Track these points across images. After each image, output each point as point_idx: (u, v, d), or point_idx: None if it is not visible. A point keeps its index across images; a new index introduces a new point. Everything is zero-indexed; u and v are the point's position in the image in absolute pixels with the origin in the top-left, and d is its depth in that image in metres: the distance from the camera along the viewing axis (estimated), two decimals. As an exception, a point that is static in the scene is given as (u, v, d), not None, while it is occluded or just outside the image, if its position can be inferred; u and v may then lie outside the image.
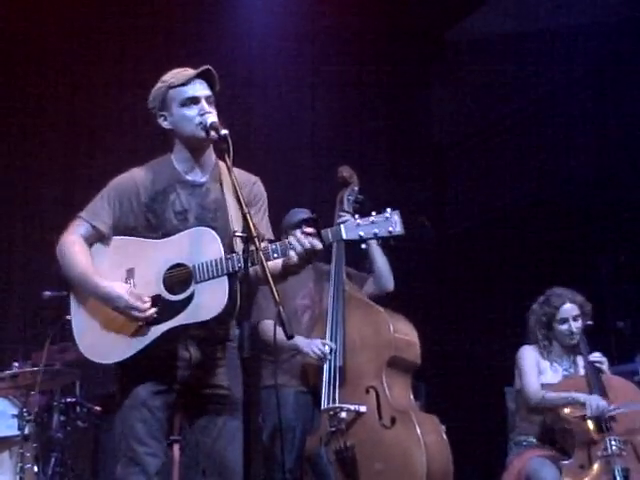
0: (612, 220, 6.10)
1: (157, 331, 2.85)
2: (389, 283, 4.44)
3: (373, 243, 4.36)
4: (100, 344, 2.92)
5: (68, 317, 3.01)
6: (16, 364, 4.68)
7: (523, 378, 4.28)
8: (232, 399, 2.96)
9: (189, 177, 3.03)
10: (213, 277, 2.80)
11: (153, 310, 2.84)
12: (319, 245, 2.72)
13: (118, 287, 2.88)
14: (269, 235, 3.06)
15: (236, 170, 2.90)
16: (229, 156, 2.80)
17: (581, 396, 4.06)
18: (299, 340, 4.17)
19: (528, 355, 4.35)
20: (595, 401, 4.01)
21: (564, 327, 4.31)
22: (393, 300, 4.51)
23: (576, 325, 4.30)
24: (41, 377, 4.41)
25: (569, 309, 4.32)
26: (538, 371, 4.30)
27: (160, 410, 2.91)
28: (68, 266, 2.96)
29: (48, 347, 4.61)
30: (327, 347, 4.16)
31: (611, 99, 6.36)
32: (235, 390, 2.97)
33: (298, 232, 2.76)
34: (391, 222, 2.67)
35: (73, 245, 2.97)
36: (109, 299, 2.87)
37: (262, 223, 3.02)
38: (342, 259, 4.32)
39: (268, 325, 4.25)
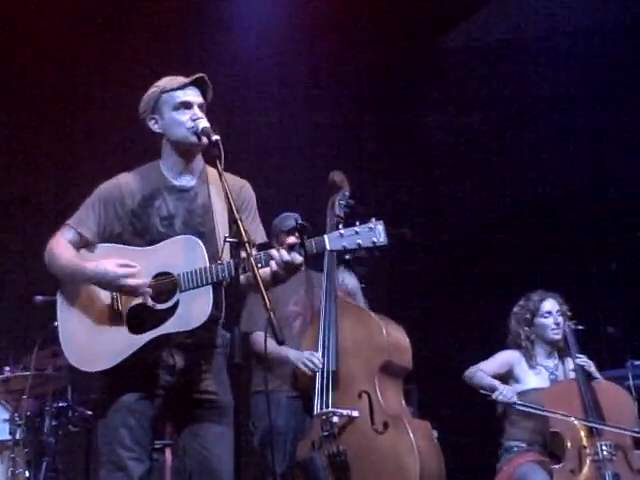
0: (604, 226, 6.12)
1: (143, 339, 2.84)
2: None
3: None
4: (86, 352, 2.90)
5: (56, 323, 3.01)
6: (7, 368, 4.67)
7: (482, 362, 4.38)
8: (219, 404, 2.97)
9: (176, 182, 3.03)
10: (197, 286, 2.79)
11: (146, 281, 2.83)
12: (298, 259, 2.72)
13: (103, 262, 2.87)
14: (262, 238, 3.06)
15: (224, 174, 2.90)
16: (220, 162, 2.81)
17: (496, 383, 4.23)
18: (290, 352, 4.20)
19: (503, 353, 4.46)
20: (507, 390, 4.19)
21: (549, 320, 4.38)
22: (387, 304, 4.53)
23: (560, 319, 4.35)
24: (31, 382, 4.40)
25: (551, 303, 4.43)
26: (505, 372, 4.38)
27: (144, 416, 2.90)
28: (55, 260, 2.95)
29: (39, 352, 4.62)
30: (316, 357, 4.16)
31: (605, 106, 6.38)
32: (223, 395, 2.98)
33: (280, 248, 2.76)
34: (375, 232, 2.67)
35: (60, 246, 2.98)
36: (99, 277, 2.85)
37: (253, 227, 3.01)
38: (334, 265, 4.33)
39: (260, 336, 4.26)
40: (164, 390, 2.93)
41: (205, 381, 2.97)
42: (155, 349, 2.87)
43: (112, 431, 2.88)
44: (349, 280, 4.61)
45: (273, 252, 2.74)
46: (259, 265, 2.72)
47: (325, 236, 2.72)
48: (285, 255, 2.72)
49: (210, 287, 2.80)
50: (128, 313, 2.89)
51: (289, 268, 2.74)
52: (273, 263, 2.73)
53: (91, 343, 2.89)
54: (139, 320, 2.86)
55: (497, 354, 4.46)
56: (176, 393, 2.94)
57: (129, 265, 2.85)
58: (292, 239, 4.16)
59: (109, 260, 2.88)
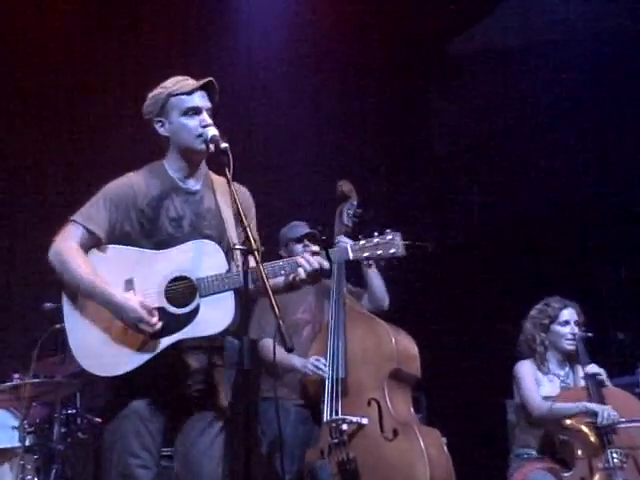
0: (613, 232, 6.11)
1: (162, 344, 2.82)
2: (384, 302, 4.48)
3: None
4: (100, 355, 2.86)
5: (57, 326, 2.95)
6: (16, 375, 4.67)
7: (524, 392, 4.27)
8: (220, 406, 2.97)
9: (183, 184, 3.01)
10: (219, 291, 2.80)
11: (160, 324, 2.80)
12: (327, 265, 2.79)
13: (132, 299, 2.81)
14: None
15: (223, 180, 2.91)
16: (229, 169, 2.80)
17: (593, 405, 4.05)
18: (295, 360, 4.20)
19: (526, 369, 4.35)
20: (607, 411, 4.00)
21: (566, 329, 4.34)
22: (393, 311, 4.52)
23: (576, 329, 4.32)
24: (40, 389, 4.41)
25: (571, 312, 4.38)
26: (536, 384, 4.30)
27: (153, 421, 2.88)
28: (71, 274, 2.85)
29: (48, 358, 4.63)
30: (321, 362, 4.16)
31: (611, 112, 6.37)
32: (221, 397, 2.98)
33: (307, 254, 2.81)
34: (393, 244, 2.78)
35: (74, 253, 2.88)
36: (122, 310, 2.80)
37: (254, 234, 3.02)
38: (342, 273, 4.33)
39: (269, 343, 4.26)
40: (176, 394, 2.91)
41: (215, 385, 2.96)
42: (173, 353, 2.85)
43: (121, 438, 2.86)
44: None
45: (300, 260, 2.77)
46: (282, 272, 2.78)
47: (348, 246, 2.81)
48: (314, 263, 2.76)
49: (232, 293, 2.81)
50: None
51: (316, 276, 2.78)
52: (301, 271, 2.76)
53: (105, 346, 2.85)
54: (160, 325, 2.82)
55: (523, 374, 4.32)
56: (186, 397, 2.92)
57: (151, 312, 2.79)
58: (315, 247, 4.18)
59: (136, 299, 2.81)
